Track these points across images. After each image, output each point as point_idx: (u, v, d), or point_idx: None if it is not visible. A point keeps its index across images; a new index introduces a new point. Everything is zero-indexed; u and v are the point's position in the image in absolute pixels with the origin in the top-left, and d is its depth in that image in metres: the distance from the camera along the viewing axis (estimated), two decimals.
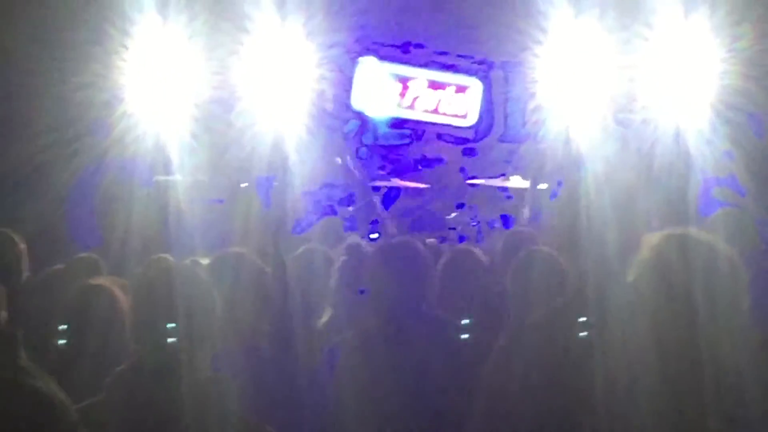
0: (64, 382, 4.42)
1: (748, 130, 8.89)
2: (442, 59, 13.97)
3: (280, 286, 5.68)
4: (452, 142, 14.00)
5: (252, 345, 5.30)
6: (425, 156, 13.81)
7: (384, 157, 13.50)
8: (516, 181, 12.47)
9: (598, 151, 8.23)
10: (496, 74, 14.02)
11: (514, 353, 5.37)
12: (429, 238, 10.02)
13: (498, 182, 12.70)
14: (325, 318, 6.10)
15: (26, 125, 10.37)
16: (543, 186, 10.16)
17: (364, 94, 13.45)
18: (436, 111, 13.90)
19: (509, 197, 12.56)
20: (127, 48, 9.89)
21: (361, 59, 13.45)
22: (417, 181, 13.13)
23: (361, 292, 5.70)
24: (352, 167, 12.43)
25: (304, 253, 6.74)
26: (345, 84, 13.16)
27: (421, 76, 13.79)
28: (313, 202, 11.11)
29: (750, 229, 6.37)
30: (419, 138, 13.85)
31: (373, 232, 11.35)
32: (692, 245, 3.66)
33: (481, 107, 14.09)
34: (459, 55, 14.02)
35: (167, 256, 5.95)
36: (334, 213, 11.46)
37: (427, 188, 13.06)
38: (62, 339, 5.40)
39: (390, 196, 12.61)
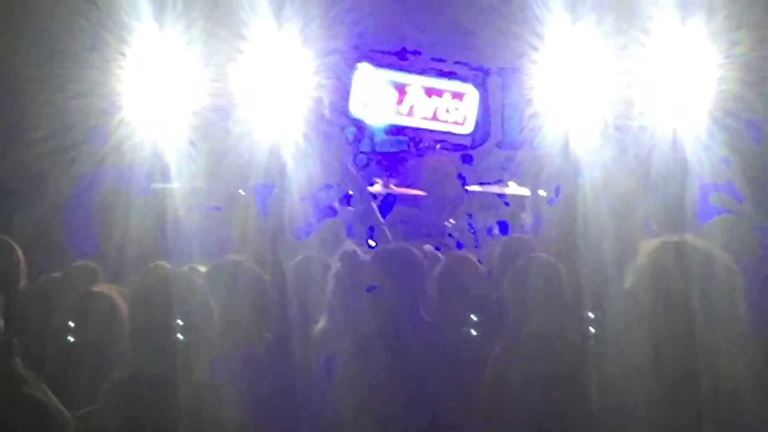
0: (62, 389, 4.41)
1: (746, 136, 8.89)
2: (439, 66, 13.98)
3: (279, 294, 5.68)
4: (450, 149, 14.00)
5: (249, 352, 5.29)
6: (422, 163, 13.81)
7: (381, 165, 13.49)
8: (514, 188, 12.47)
9: (596, 158, 8.22)
10: (493, 81, 14.03)
11: (513, 360, 5.37)
12: (426, 244, 10.01)
13: (496, 189, 12.69)
14: (321, 325, 6.10)
15: (24, 133, 10.37)
16: (542, 192, 10.16)
17: (361, 101, 13.45)
18: (434, 118, 13.90)
19: (507, 204, 12.55)
20: (124, 55, 9.89)
21: (358, 66, 13.45)
22: (414, 187, 13.13)
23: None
24: (351, 168, 12.44)
25: (302, 260, 6.73)
26: (342, 91, 13.16)
27: (417, 83, 13.79)
28: (313, 205, 11.10)
29: (748, 236, 6.37)
30: (417, 145, 13.85)
31: (370, 239, 11.34)
32: (689, 252, 3.66)
33: (478, 114, 14.10)
34: (456, 62, 14.03)
35: (165, 263, 5.94)
36: (335, 213, 11.46)
37: (424, 195, 13.05)
38: (60, 347, 5.40)
39: (387, 203, 12.60)
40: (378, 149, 13.64)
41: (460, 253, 8.15)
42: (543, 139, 9.65)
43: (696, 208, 8.05)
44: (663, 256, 3.70)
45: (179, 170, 9.65)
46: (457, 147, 14.04)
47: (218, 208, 10.60)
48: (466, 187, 13.05)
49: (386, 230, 11.43)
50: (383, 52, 13.77)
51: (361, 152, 13.42)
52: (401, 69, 13.82)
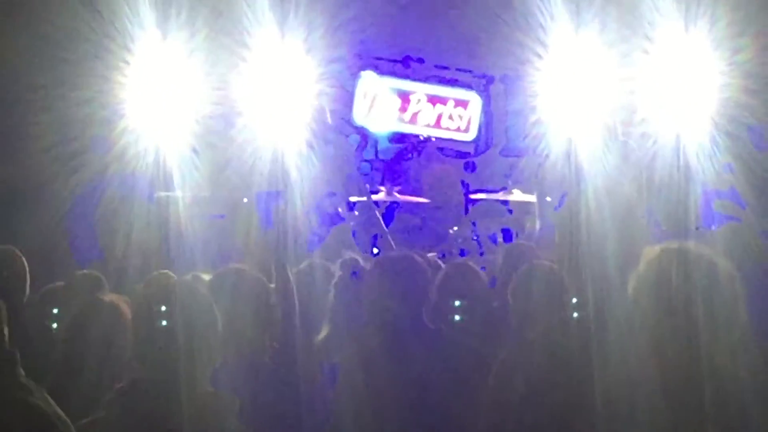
0: (66, 398, 4.41)
1: (749, 143, 8.88)
2: (443, 74, 14.00)
3: (284, 302, 5.69)
4: (453, 156, 14.01)
5: (253, 361, 5.29)
6: (426, 170, 13.81)
7: (385, 172, 13.49)
8: (518, 195, 12.47)
9: (599, 165, 8.22)
10: (496, 88, 14.04)
11: (516, 367, 5.37)
12: (430, 252, 10.01)
13: (499, 196, 12.70)
14: (324, 333, 6.10)
15: (26, 141, 10.38)
16: (548, 199, 10.15)
17: (365, 109, 13.47)
18: (437, 125, 13.92)
19: (510, 211, 12.56)
20: (128, 64, 9.89)
21: (361, 74, 13.47)
22: (418, 195, 13.14)
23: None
24: (354, 176, 12.45)
25: (306, 268, 6.74)
26: (346, 99, 13.17)
27: (420, 90, 13.80)
28: (320, 214, 11.10)
29: (755, 243, 6.36)
30: (420, 153, 13.85)
31: (374, 247, 11.35)
32: (690, 259, 3.66)
33: (481, 121, 14.11)
34: (459, 69, 14.04)
35: (168, 272, 5.95)
36: (341, 219, 11.48)
37: (427, 203, 13.06)
38: (64, 355, 5.40)
39: (391, 211, 12.61)
40: (381, 157, 13.64)
41: (462, 260, 8.15)
42: (546, 145, 9.64)
43: (700, 215, 8.04)
44: (664, 263, 3.69)
45: (182, 178, 9.65)
46: (460, 154, 14.04)
47: (222, 216, 10.61)
48: (470, 195, 13.06)
49: (389, 238, 11.44)
50: (387, 60, 13.79)
51: (365, 160, 13.43)
52: (405, 77, 13.84)
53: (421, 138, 13.72)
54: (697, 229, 7.37)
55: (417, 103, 13.80)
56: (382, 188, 12.65)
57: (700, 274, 3.62)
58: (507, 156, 13.73)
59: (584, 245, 6.06)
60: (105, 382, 4.68)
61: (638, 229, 7.14)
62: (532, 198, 11.83)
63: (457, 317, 5.96)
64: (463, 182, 13.33)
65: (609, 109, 9.23)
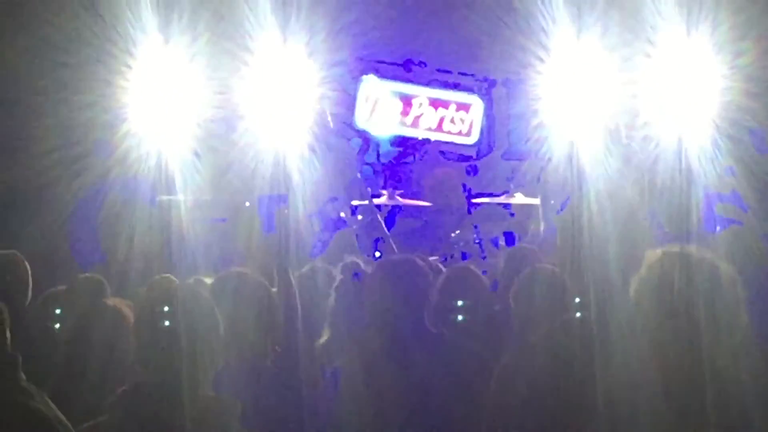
0: (69, 402, 4.42)
1: (751, 146, 8.88)
2: (445, 77, 13.99)
3: (286, 306, 5.69)
4: (455, 160, 14.00)
5: (254, 365, 5.30)
6: (428, 174, 13.81)
7: (387, 176, 13.49)
8: (520, 198, 12.46)
9: (600, 168, 8.23)
10: (498, 91, 14.02)
11: (518, 371, 5.36)
12: (431, 256, 10.02)
13: (501, 199, 12.69)
14: (326, 337, 6.10)
15: (29, 145, 10.39)
16: (550, 202, 10.16)
17: (367, 112, 13.47)
18: (439, 129, 13.91)
19: (512, 215, 12.55)
20: (130, 68, 9.90)
21: (363, 78, 13.47)
22: (419, 199, 13.13)
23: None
24: (356, 179, 12.45)
25: (308, 272, 6.74)
26: (348, 103, 13.18)
27: (422, 94, 13.80)
28: (322, 218, 11.11)
29: (756, 246, 6.37)
30: (422, 156, 13.85)
31: (376, 251, 11.35)
32: (691, 262, 3.66)
33: (483, 125, 14.10)
34: (461, 73, 14.03)
35: (170, 275, 5.95)
36: (344, 224, 11.48)
37: (429, 206, 13.06)
38: (67, 359, 5.40)
39: (392, 215, 12.61)
40: (383, 160, 13.63)
41: (463, 264, 8.15)
42: (548, 149, 9.65)
43: (702, 218, 8.04)
44: (666, 267, 3.70)
45: (184, 182, 9.65)
46: (462, 158, 14.03)
47: (223, 220, 10.61)
48: (472, 199, 13.05)
49: (391, 242, 11.44)
50: (388, 64, 13.79)
51: (367, 163, 13.42)
52: (406, 80, 13.83)
53: (419, 138, 13.71)
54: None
55: (419, 106, 13.80)
56: (384, 192, 12.66)
57: (702, 278, 3.62)
58: (509, 159, 13.71)
59: (586, 248, 6.06)
60: (107, 385, 4.68)
61: (640, 232, 7.13)
62: (534, 201, 11.85)
63: (458, 321, 5.96)
64: (465, 186, 13.33)
65: (611, 113, 9.24)
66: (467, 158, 13.96)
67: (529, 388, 5.20)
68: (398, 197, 12.63)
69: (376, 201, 12.21)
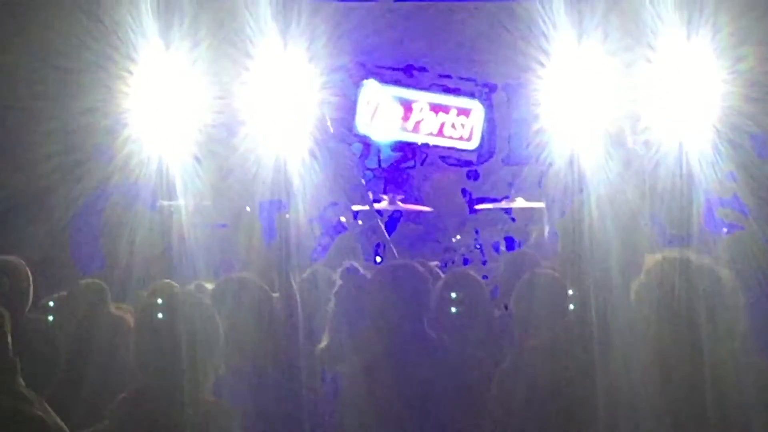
0: (69, 407, 4.41)
1: (751, 151, 8.89)
2: (445, 82, 13.99)
3: (287, 311, 5.69)
4: (455, 165, 13.99)
5: (255, 370, 5.29)
6: (428, 179, 13.81)
7: (387, 181, 13.49)
8: (522, 203, 12.46)
9: (601, 172, 8.23)
10: (499, 96, 14.02)
11: (518, 375, 5.36)
12: (432, 261, 10.01)
13: (502, 204, 12.69)
14: (324, 342, 6.09)
15: (29, 150, 10.39)
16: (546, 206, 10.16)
17: (367, 117, 13.46)
18: (440, 134, 13.90)
19: (513, 220, 12.54)
20: (131, 73, 9.90)
21: (364, 83, 13.47)
22: (420, 204, 13.13)
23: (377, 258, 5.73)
24: (357, 184, 12.45)
25: (309, 276, 6.74)
26: (348, 108, 13.17)
27: (423, 99, 13.80)
28: (323, 223, 11.11)
29: (757, 250, 6.36)
30: (422, 161, 13.84)
31: (377, 256, 11.35)
32: (691, 267, 3.66)
33: (483, 130, 14.09)
34: (462, 78, 14.02)
35: (171, 281, 5.95)
36: (345, 229, 11.48)
37: (430, 211, 13.05)
38: (67, 364, 5.40)
39: (393, 220, 12.61)
40: (384, 165, 13.63)
41: (463, 269, 8.14)
42: (549, 154, 9.65)
43: (703, 223, 8.04)
44: (665, 271, 3.70)
45: (185, 187, 9.65)
46: (462, 163, 14.03)
47: (224, 225, 10.61)
48: (475, 206, 13.05)
49: (392, 247, 11.44)
50: (389, 69, 13.78)
51: (367, 168, 13.42)
52: (407, 85, 13.83)
53: (420, 143, 13.71)
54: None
55: (419, 111, 13.79)
56: (385, 197, 12.65)
57: (701, 282, 3.62)
58: (510, 164, 13.70)
59: (587, 253, 6.06)
60: (107, 391, 4.67)
61: (641, 237, 7.13)
62: (535, 205, 11.84)
63: (458, 325, 5.96)
64: (465, 191, 13.33)
65: (611, 118, 9.24)
66: (468, 163, 13.96)
67: (530, 393, 5.20)
68: (399, 202, 12.62)
69: (376, 206, 12.20)
